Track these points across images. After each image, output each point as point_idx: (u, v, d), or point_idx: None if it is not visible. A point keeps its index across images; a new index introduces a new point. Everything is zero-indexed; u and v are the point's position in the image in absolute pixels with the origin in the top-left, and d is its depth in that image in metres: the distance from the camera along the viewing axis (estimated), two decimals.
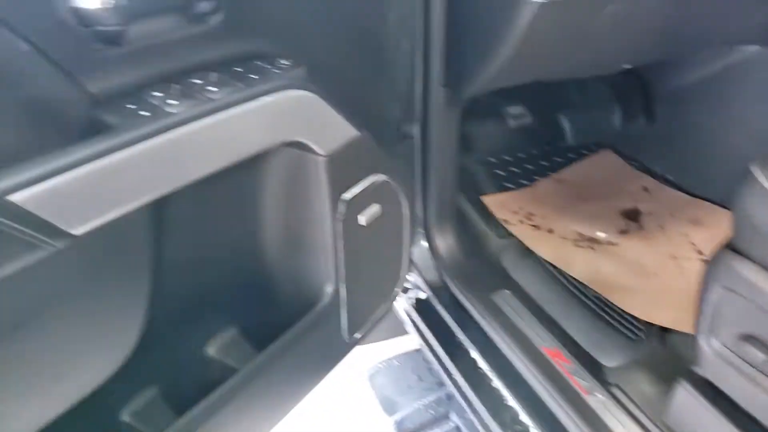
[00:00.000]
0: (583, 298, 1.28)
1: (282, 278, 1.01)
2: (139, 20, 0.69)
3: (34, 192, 0.57)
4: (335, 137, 0.91)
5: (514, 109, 1.45)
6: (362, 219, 1.00)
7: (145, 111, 0.69)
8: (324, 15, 0.94)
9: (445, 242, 1.35)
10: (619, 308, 1.23)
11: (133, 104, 0.70)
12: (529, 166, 1.63)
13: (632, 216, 1.49)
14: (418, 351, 1.55)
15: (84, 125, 0.68)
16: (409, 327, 1.45)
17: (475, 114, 1.45)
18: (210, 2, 0.76)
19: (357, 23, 1.02)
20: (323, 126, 0.89)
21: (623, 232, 1.44)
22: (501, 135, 1.61)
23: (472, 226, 1.44)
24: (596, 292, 1.27)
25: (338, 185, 0.93)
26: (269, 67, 0.82)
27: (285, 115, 0.82)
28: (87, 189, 0.61)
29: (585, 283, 1.30)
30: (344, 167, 0.93)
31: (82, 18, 0.64)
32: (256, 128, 0.78)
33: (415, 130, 1.30)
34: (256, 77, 0.79)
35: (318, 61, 0.93)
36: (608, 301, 1.26)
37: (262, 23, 0.85)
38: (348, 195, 0.96)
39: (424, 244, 1.35)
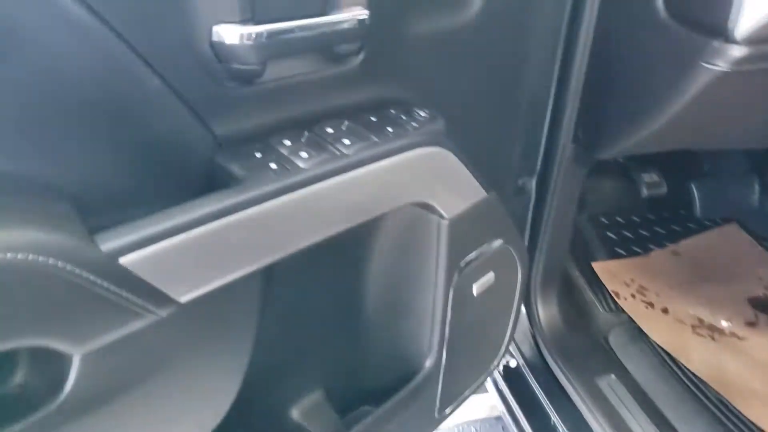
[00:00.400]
0: (701, 396, 1.13)
1: (378, 343, 0.91)
2: (277, 59, 0.61)
3: (145, 254, 0.49)
4: (462, 198, 0.81)
5: (649, 177, 1.31)
6: (475, 288, 0.89)
7: (273, 162, 0.61)
8: (463, 63, 0.84)
9: (548, 310, 1.23)
10: (744, 416, 1.07)
11: (260, 152, 0.62)
12: (644, 232, 1.48)
13: (762, 306, 1.31)
14: (498, 419, 1.43)
15: (207, 171, 0.60)
16: (493, 393, 1.33)
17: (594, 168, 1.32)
18: (353, 43, 0.67)
19: (495, 74, 0.92)
20: (453, 186, 0.79)
21: (751, 324, 1.27)
22: (617, 194, 1.47)
23: (578, 294, 1.31)
24: (717, 393, 1.12)
25: (457, 251, 0.83)
26: (405, 118, 0.73)
27: (418, 175, 0.72)
28: (202, 251, 0.53)
29: (704, 379, 1.14)
30: (466, 231, 0.83)
31: (220, 54, 0.57)
32: (387, 188, 0.69)
33: (531, 184, 1.18)
34: (391, 129, 0.70)
35: (446, 105, 0.84)
36: (731, 404, 1.10)
37: (401, 68, 0.77)
38: (465, 262, 0.85)
39: (522, 308, 1.23)
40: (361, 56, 0.70)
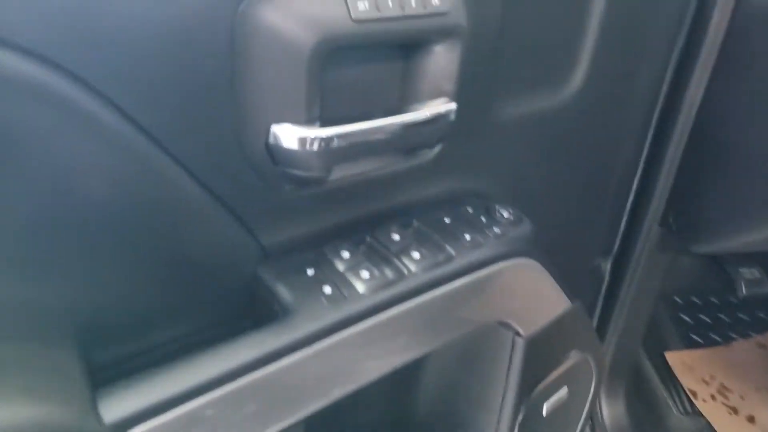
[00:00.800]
0: None
1: None
2: (343, 163, 0.50)
3: (159, 424, 0.39)
4: (543, 313, 0.68)
5: (750, 273, 1.14)
6: (546, 407, 0.76)
7: (328, 284, 0.49)
8: (553, 146, 0.72)
9: (613, 408, 1.08)
10: None
11: (312, 267, 0.51)
12: (724, 317, 1.32)
13: None
14: None
15: (248, 285, 0.50)
16: None
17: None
18: (432, 135, 0.56)
19: (584, 153, 0.79)
20: (535, 299, 0.66)
21: None
22: (696, 272, 1.31)
23: (649, 391, 1.16)
24: None
25: (532, 372, 0.70)
26: (485, 220, 0.61)
27: (496, 293, 0.60)
28: (230, 410, 0.43)
29: None
30: (545, 348, 0.70)
31: (276, 157, 0.46)
32: (459, 310, 0.57)
33: (606, 266, 1.05)
34: (469, 237, 0.58)
35: (526, 190, 0.72)
36: None
37: (481, 156, 0.65)
38: (539, 382, 0.73)
39: None
40: (437, 148, 0.59)
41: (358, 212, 0.56)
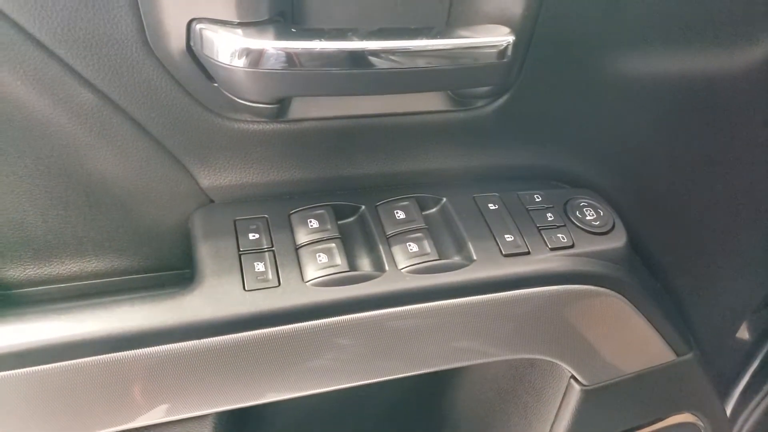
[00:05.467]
0: None
1: None
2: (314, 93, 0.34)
3: None
4: (629, 362, 0.48)
5: None
6: None
7: (263, 261, 0.36)
8: (682, 137, 0.47)
9: None
10: None
11: (258, 232, 0.37)
12: None
13: None
14: None
15: (179, 236, 0.39)
16: None
17: None
18: (477, 76, 0.36)
19: (737, 162, 0.51)
20: (618, 342, 0.46)
21: None
22: None
23: None
24: None
25: (593, 423, 0.51)
26: (555, 215, 0.41)
27: (546, 323, 0.41)
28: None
29: None
30: (619, 405, 0.50)
31: (210, 71, 0.32)
32: (462, 336, 0.40)
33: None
34: (509, 236, 0.40)
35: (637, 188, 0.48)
36: None
37: (568, 128, 0.43)
38: None
39: None
40: (502, 100, 0.39)
41: (354, 172, 0.40)
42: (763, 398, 0.79)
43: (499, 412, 0.56)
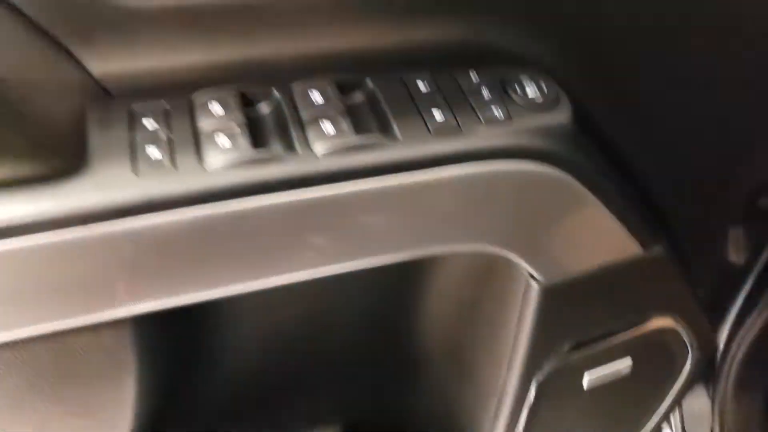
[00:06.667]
0: None
1: (423, 395, 0.63)
2: None
3: None
4: (587, 256, 0.44)
5: None
6: (588, 378, 0.54)
7: (159, 144, 0.33)
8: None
9: (737, 414, 0.78)
10: None
11: (154, 118, 0.34)
12: None
13: None
14: None
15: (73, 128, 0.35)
16: None
17: None
18: None
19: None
20: (572, 233, 0.43)
21: None
22: None
23: None
24: None
25: (553, 330, 0.48)
26: (492, 93, 0.38)
27: (488, 206, 0.38)
28: None
29: None
30: (579, 304, 0.47)
31: None
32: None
33: None
34: (439, 115, 0.36)
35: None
36: None
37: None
38: (570, 345, 0.50)
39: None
40: None
41: (265, 54, 0.37)
42: (757, 317, 0.76)
43: (467, 328, 0.54)
